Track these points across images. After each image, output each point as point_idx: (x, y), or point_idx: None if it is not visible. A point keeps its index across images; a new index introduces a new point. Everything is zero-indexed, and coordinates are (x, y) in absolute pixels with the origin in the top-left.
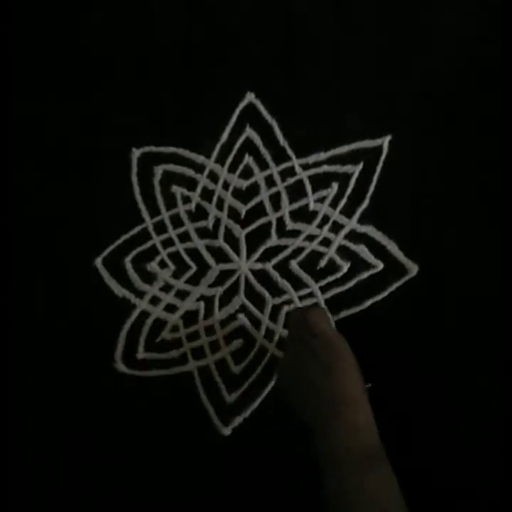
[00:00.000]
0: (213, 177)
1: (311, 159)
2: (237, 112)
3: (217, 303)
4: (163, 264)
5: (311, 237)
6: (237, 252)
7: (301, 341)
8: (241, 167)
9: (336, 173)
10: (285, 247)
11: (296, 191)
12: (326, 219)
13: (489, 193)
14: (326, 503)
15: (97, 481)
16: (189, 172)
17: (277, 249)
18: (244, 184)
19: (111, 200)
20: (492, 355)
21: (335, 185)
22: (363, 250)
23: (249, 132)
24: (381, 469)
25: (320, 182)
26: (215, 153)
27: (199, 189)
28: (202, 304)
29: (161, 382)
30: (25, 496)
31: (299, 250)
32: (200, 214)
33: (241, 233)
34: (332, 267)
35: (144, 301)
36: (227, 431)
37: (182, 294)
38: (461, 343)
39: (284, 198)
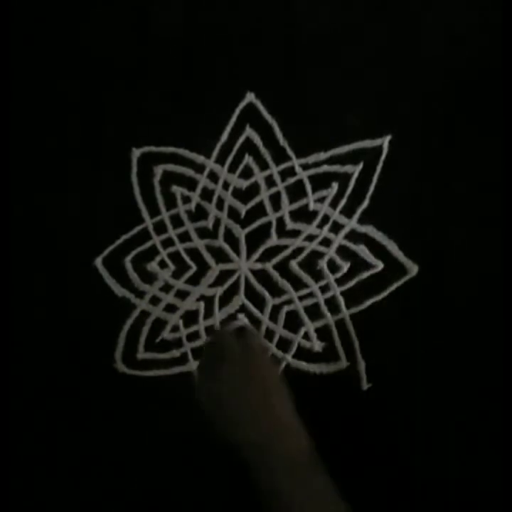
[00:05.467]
0: (213, 177)
1: (311, 159)
2: (237, 111)
3: (217, 303)
4: (163, 264)
5: (311, 237)
6: (237, 252)
7: (230, 365)
8: (241, 167)
9: (336, 173)
10: (285, 247)
11: (296, 191)
12: (326, 219)
13: (489, 193)
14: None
15: (96, 481)
16: (189, 172)
17: (277, 249)
18: (244, 184)
19: (111, 200)
20: (492, 355)
21: (335, 185)
22: (363, 250)
23: (249, 132)
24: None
25: (320, 182)
26: (215, 153)
27: (199, 189)
28: (202, 304)
29: (161, 382)
30: (25, 496)
31: (299, 250)
32: (200, 214)
33: (241, 233)
34: (332, 267)
35: (144, 301)
36: None
37: (182, 294)
38: (460, 343)
39: (284, 198)
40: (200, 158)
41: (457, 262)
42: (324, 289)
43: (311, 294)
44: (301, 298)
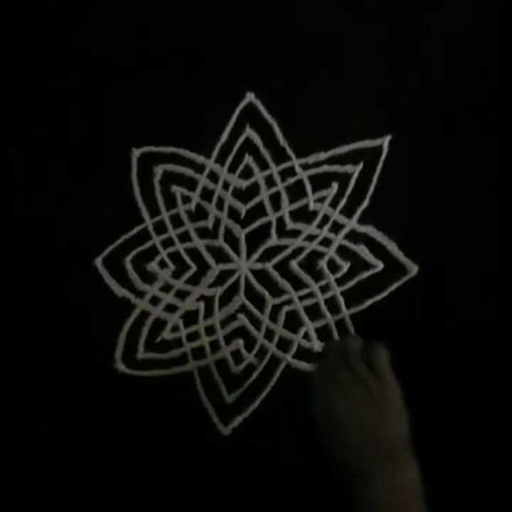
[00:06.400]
0: (213, 177)
1: (311, 159)
2: (237, 111)
3: (217, 303)
4: (163, 264)
5: (311, 237)
6: (237, 252)
7: (351, 373)
8: (241, 167)
9: (336, 173)
10: (285, 247)
11: (296, 191)
12: (326, 219)
13: (489, 193)
14: None
15: (96, 481)
16: (189, 172)
17: (277, 249)
18: (244, 184)
19: (111, 200)
20: (492, 355)
21: (335, 185)
22: (363, 250)
23: (249, 132)
24: None
25: (320, 182)
26: (215, 153)
27: (199, 189)
28: (202, 304)
29: (161, 382)
30: (24, 496)
31: (299, 250)
32: (200, 214)
33: (241, 233)
34: (332, 267)
35: (144, 301)
36: (227, 431)
37: (182, 294)
38: (460, 343)
39: (284, 198)
40: (200, 158)
41: (457, 262)
42: (324, 289)
43: (311, 294)
44: (301, 298)
